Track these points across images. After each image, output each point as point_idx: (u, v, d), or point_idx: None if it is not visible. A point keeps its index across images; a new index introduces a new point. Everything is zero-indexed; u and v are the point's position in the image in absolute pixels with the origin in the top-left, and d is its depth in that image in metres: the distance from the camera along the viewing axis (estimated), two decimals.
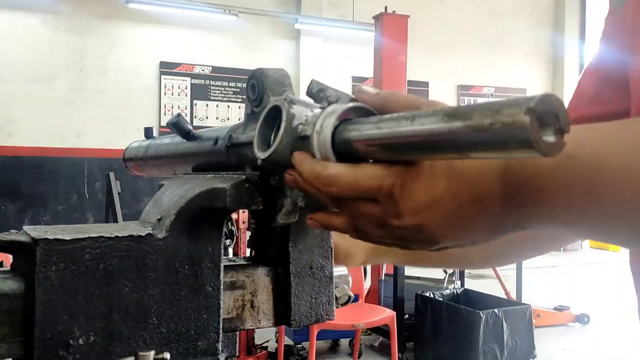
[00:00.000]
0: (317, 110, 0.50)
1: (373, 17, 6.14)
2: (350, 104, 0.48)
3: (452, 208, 0.44)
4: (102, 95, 7.72)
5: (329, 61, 8.85)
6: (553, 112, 0.33)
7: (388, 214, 0.45)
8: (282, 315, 0.64)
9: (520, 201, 0.44)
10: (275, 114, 0.51)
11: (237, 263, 0.65)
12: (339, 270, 0.69)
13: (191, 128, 0.74)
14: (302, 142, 0.48)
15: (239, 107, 8.53)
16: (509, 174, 0.44)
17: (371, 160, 0.46)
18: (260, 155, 0.51)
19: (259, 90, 0.58)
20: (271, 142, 0.51)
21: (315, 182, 0.46)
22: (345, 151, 0.46)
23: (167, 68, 8.11)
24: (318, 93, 0.51)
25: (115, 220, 3.95)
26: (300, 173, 0.48)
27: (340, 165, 0.46)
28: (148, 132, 0.98)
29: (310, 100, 0.52)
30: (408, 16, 6.07)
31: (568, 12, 10.13)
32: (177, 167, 0.81)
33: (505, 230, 0.47)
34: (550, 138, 0.34)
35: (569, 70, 10.14)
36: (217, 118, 8.46)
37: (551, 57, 10.20)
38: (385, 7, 6.08)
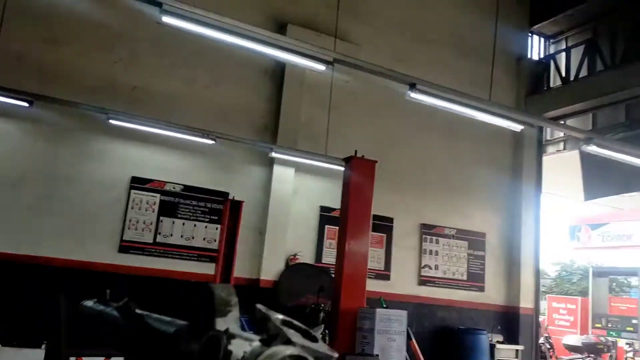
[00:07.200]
0: (256, 345, 0.54)
1: (343, 160, 6.46)
2: (287, 352, 0.52)
3: None
4: (67, 205, 7.65)
5: (299, 189, 9.08)
6: None
7: None
8: None
9: None
10: (215, 342, 0.55)
11: None
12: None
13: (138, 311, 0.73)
14: None
15: (205, 227, 8.52)
16: None
17: None
18: None
19: (206, 308, 0.62)
20: None
21: None
22: None
23: (138, 183, 8.18)
24: (261, 321, 0.56)
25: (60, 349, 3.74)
26: None
27: None
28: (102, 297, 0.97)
29: (250, 334, 0.56)
30: (376, 161, 6.39)
31: (525, 165, 10.81)
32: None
33: None
34: None
35: (526, 218, 10.60)
36: (181, 236, 8.41)
37: (510, 204, 10.69)
38: (355, 152, 6.40)
